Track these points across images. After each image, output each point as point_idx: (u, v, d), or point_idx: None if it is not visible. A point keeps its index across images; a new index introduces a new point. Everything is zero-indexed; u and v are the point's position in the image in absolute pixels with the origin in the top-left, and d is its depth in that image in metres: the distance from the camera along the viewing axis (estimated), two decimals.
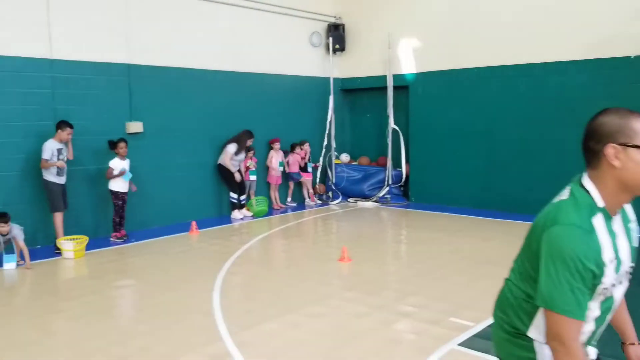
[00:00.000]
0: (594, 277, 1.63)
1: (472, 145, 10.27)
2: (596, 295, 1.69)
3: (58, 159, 7.30)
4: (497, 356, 2.01)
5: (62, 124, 7.33)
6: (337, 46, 11.71)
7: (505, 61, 9.67)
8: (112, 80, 8.34)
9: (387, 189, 11.13)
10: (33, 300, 5.57)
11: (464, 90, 10.27)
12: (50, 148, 7.23)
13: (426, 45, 10.79)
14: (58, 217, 7.35)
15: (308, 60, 11.51)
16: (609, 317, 1.83)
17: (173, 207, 9.13)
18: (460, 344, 4.19)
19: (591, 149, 1.71)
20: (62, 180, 7.41)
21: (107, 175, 7.83)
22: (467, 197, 10.36)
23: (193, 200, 9.45)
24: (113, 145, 7.92)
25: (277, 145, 10.54)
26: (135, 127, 8.55)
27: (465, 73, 10.21)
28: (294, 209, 10.68)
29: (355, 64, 11.95)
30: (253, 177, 10.10)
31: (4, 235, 6.49)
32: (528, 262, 1.79)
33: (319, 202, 11.21)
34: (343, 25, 11.82)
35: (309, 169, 11.13)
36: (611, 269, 1.66)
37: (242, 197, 9.80)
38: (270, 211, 10.25)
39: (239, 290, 5.74)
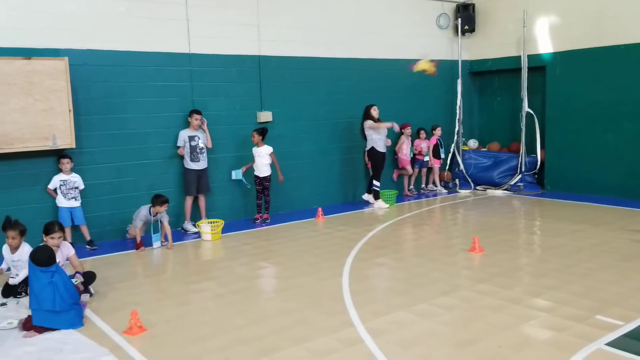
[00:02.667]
0: None
1: (618, 129, 9.40)
2: None
3: (190, 146, 7.81)
4: None
5: (190, 112, 7.91)
6: (467, 27, 11.25)
7: None
8: (244, 72, 8.70)
9: (520, 176, 10.53)
10: (177, 278, 6.00)
11: (609, 70, 9.40)
12: (182, 136, 7.86)
13: (566, 22, 10.00)
14: (187, 201, 8.00)
15: (435, 43, 11.18)
16: None
17: (300, 193, 9.39)
18: (608, 344, 3.85)
19: None
20: (197, 165, 7.94)
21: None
22: (611, 185, 9.53)
23: (318, 187, 9.64)
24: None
25: (407, 131, 10.40)
26: (265, 116, 8.87)
27: (611, 51, 9.33)
28: (420, 197, 10.50)
29: (485, 45, 11.41)
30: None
31: (153, 216, 7.06)
32: None
33: (445, 190, 10.91)
34: (473, 5, 11.32)
35: (442, 155, 10.89)
36: None
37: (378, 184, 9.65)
38: (399, 198, 10.14)
39: (367, 277, 5.74)
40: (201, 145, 7.96)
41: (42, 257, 4.47)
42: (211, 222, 7.74)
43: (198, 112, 7.91)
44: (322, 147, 9.69)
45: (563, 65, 10.13)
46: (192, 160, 7.92)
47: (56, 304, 4.38)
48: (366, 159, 9.77)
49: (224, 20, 8.42)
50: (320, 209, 8.77)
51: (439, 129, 10.89)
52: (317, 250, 6.82)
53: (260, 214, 8.59)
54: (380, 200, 9.53)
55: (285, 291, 5.31)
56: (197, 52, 8.19)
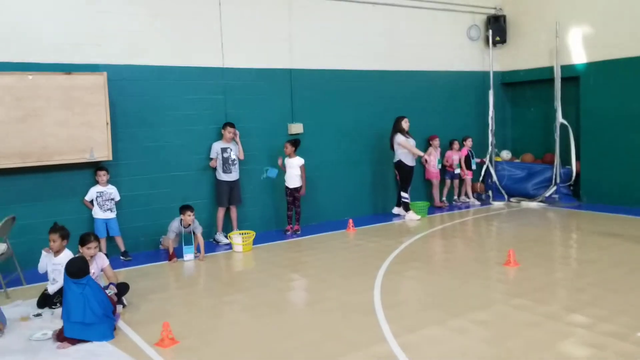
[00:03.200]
0: None
1: None
2: None
3: (223, 158, 7.91)
4: None
5: (224, 125, 8.03)
6: (498, 38, 11.15)
7: None
8: (276, 85, 8.79)
9: (555, 188, 10.33)
10: (208, 290, 6.06)
11: None
12: (215, 148, 8.00)
13: (600, 32, 9.83)
14: (219, 212, 8.11)
15: (466, 55, 11.11)
16: None
17: (330, 204, 9.40)
18: None
19: None
20: (229, 177, 8.04)
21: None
22: None
23: (349, 198, 9.63)
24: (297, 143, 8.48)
25: (436, 142, 10.34)
26: (296, 128, 8.93)
27: None
28: (452, 209, 10.39)
29: (517, 56, 11.28)
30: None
31: (186, 227, 7.15)
32: None
33: (478, 202, 10.78)
34: (504, 16, 11.21)
35: (473, 166, 10.78)
36: None
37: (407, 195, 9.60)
38: (430, 209, 10.06)
39: (399, 291, 5.70)
40: (233, 157, 8.06)
41: (73, 269, 4.55)
42: (242, 234, 7.80)
43: (232, 125, 8.02)
44: (353, 158, 9.69)
45: (597, 75, 9.94)
46: (224, 171, 8.01)
47: (86, 315, 4.45)
48: (395, 171, 9.73)
49: (256, 34, 8.53)
50: (351, 221, 8.76)
51: (470, 140, 10.81)
52: (348, 262, 6.80)
53: (291, 225, 8.62)
54: (411, 212, 9.47)
55: (316, 304, 5.31)
56: (230, 66, 8.31)
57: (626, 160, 9.59)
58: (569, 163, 10.30)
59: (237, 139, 8.14)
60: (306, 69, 9.06)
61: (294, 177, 8.47)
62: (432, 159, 10.31)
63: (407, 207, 9.51)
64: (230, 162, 8.03)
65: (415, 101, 10.29)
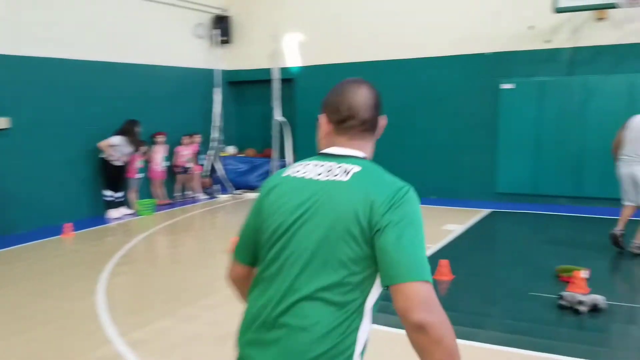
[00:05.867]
0: None
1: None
2: None
3: None
4: None
5: None
6: (224, 38, 11.53)
7: (378, 57, 10.34)
8: None
9: None
10: None
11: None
12: None
13: (310, 40, 11.00)
14: None
15: (193, 52, 11.22)
16: None
17: (43, 208, 8.34)
18: None
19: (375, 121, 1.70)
20: None
21: None
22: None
23: (66, 200, 8.69)
24: None
25: (161, 139, 10.13)
26: (0, 123, 7.78)
27: (350, 66, 10.53)
28: (181, 204, 10.35)
29: (241, 57, 11.86)
30: (139, 175, 9.60)
31: None
32: (347, 252, 1.48)
33: (206, 195, 10.98)
34: (229, 17, 11.65)
35: (202, 161, 10.90)
36: None
37: (119, 195, 9.16)
38: (155, 207, 9.82)
39: (125, 291, 5.46)
40: None
41: None
42: None
43: None
44: (72, 156, 8.72)
45: (308, 77, 11.08)
46: None
47: None
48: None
49: None
50: (69, 225, 7.90)
51: (199, 136, 10.92)
52: (66, 269, 6.18)
53: None
54: (112, 209, 9.02)
55: (28, 318, 4.66)
56: None
57: None
58: (285, 156, 11.24)
59: None
60: (14, 55, 7.90)
61: None
62: (158, 156, 10.08)
63: (109, 205, 9.06)
64: None
65: (141, 96, 9.90)
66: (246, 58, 11.80)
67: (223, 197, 10.94)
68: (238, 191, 11.22)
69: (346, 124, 1.66)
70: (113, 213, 9.04)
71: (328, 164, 1.63)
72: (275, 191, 1.64)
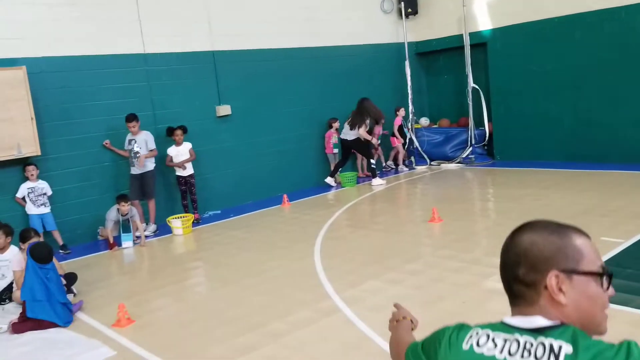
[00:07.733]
0: None
1: (557, 97, 10.04)
2: None
3: (130, 150, 7.73)
4: None
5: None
6: (410, 10, 11.69)
7: (589, 7, 9.34)
8: (199, 68, 8.86)
9: (471, 149, 11.10)
10: (155, 272, 6.23)
11: (545, 42, 9.99)
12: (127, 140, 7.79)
13: (501, 0, 10.57)
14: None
15: (381, 27, 11.58)
16: None
17: (263, 182, 9.63)
18: None
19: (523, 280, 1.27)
20: (133, 170, 7.75)
21: (167, 162, 8.15)
22: (555, 150, 10.16)
23: (281, 175, 9.88)
24: (170, 132, 8.08)
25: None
26: (224, 110, 9.08)
27: (546, 23, 9.93)
28: (381, 175, 10.90)
29: (428, 26, 11.89)
30: (335, 150, 10.44)
31: (123, 216, 7.22)
32: None
33: (405, 168, 11.34)
34: None
35: (408, 134, 11.32)
36: None
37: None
38: (358, 179, 10.53)
39: (337, 254, 6.10)
40: (136, 149, 7.65)
41: (42, 254, 4.69)
42: (181, 217, 7.94)
43: (130, 118, 7.59)
44: (282, 136, 9.89)
45: (502, 40, 10.70)
46: (131, 164, 7.77)
47: (50, 296, 4.61)
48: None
49: (174, 19, 8.53)
50: (285, 196, 9.04)
51: (402, 109, 11.26)
52: (286, 234, 7.15)
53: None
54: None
55: (261, 273, 5.62)
56: (152, 52, 8.30)
57: (533, 118, 10.44)
58: (482, 125, 11.08)
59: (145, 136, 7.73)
60: (229, 50, 9.18)
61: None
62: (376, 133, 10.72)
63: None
64: (133, 154, 7.71)
65: (337, 76, 10.63)
66: (433, 27, 11.78)
67: (420, 168, 11.24)
68: (434, 162, 11.41)
69: None
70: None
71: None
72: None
